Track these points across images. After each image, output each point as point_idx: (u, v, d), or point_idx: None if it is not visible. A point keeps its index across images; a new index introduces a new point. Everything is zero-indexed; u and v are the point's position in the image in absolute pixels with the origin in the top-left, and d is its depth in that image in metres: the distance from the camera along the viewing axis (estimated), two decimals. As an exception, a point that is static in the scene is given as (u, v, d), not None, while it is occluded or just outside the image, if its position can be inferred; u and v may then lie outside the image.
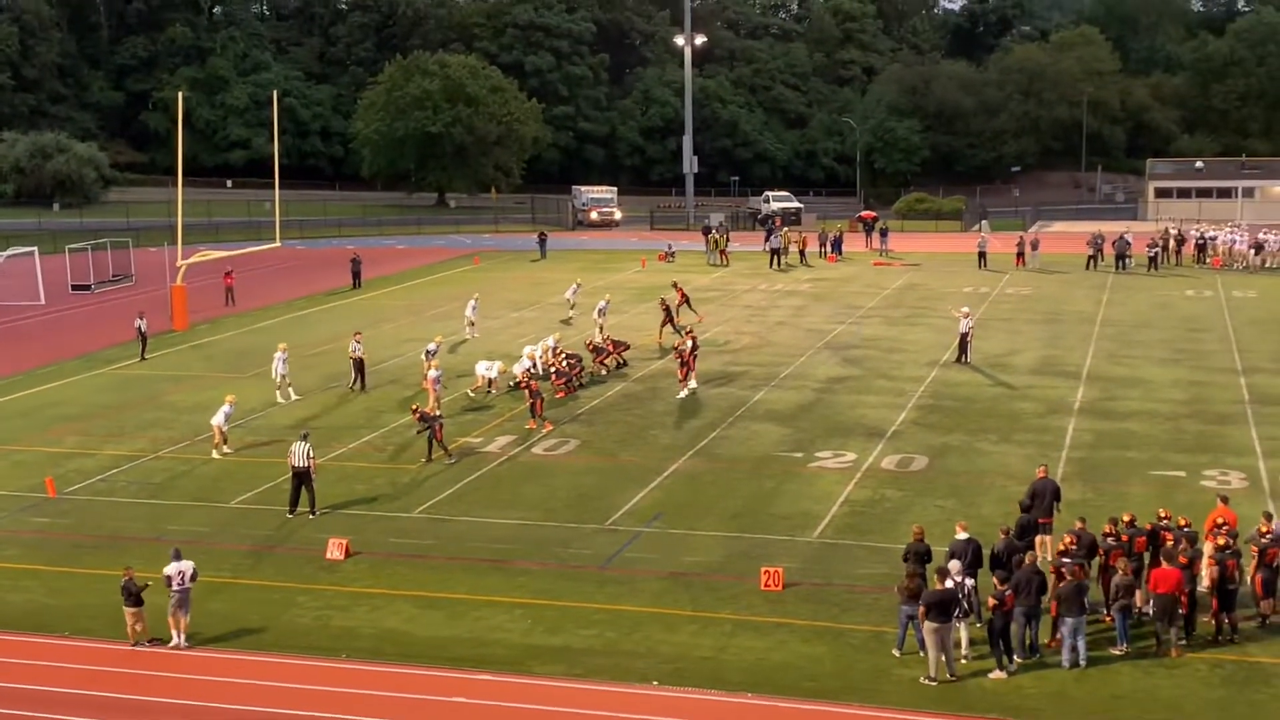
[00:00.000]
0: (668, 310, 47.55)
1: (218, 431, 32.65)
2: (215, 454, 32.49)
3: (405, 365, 42.76)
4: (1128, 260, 65.18)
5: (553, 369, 39.23)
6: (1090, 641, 20.16)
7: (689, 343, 39.37)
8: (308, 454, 27.62)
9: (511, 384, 39.26)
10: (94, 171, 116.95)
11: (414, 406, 33.47)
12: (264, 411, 36.87)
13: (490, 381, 38.81)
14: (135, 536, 26.68)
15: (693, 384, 38.57)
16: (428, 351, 39.53)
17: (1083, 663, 19.90)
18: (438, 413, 33.12)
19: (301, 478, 27.66)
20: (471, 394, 38.50)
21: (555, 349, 40.73)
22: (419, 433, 31.99)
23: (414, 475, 30.67)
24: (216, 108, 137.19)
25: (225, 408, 32.80)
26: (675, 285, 52.12)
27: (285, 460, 28.41)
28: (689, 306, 50.58)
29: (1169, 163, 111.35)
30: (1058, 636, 20.34)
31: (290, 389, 38.86)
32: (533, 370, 39.17)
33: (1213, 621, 21.00)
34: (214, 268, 60.32)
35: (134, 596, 21.09)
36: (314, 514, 27.62)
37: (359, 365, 39.76)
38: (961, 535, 21.85)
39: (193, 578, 21.45)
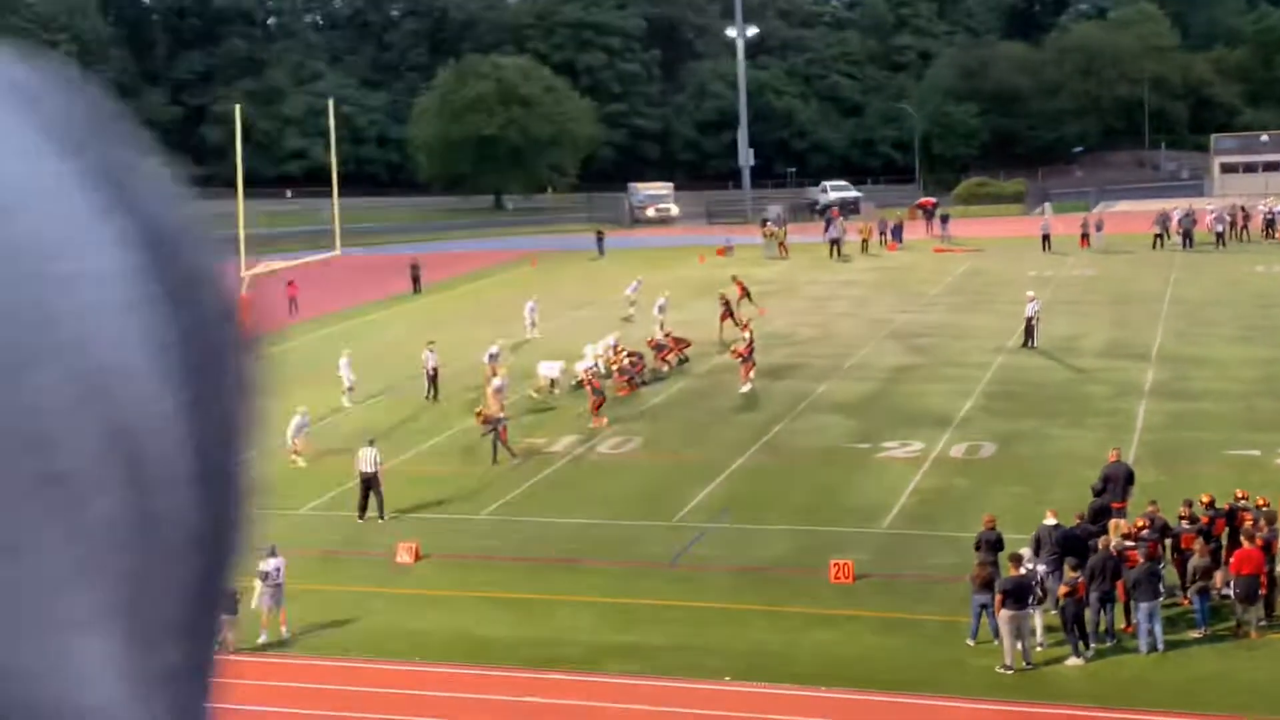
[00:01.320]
0: (727, 305, 47.34)
1: (295, 443, 32.61)
2: (301, 462, 32.45)
3: (467, 369, 42.89)
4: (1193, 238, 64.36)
5: (615, 367, 39.22)
6: (1167, 625, 19.88)
7: (745, 336, 39.24)
8: (375, 459, 27.80)
9: (574, 383, 39.32)
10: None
11: (478, 410, 33.58)
12: (330, 418, 37.14)
13: (553, 382, 38.87)
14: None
15: (749, 383, 38.34)
16: (490, 355, 39.61)
17: (1160, 647, 19.62)
18: (502, 415, 33.20)
19: (369, 483, 27.85)
20: (535, 395, 38.57)
21: (616, 347, 40.69)
22: (484, 435, 32.12)
23: (480, 477, 30.77)
24: (274, 119, 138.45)
25: (297, 418, 32.84)
26: (735, 280, 51.92)
27: (353, 466, 28.61)
28: (749, 300, 50.34)
29: (1234, 138, 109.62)
30: (1134, 621, 20.07)
31: (351, 395, 39.11)
32: (595, 369, 39.32)
33: (1293, 602, 20.65)
34: (277, 278, 60.86)
35: (229, 604, 21.37)
36: (383, 518, 27.80)
37: (433, 375, 39.35)
38: (1050, 521, 21.53)
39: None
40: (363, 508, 27.98)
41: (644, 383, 39.40)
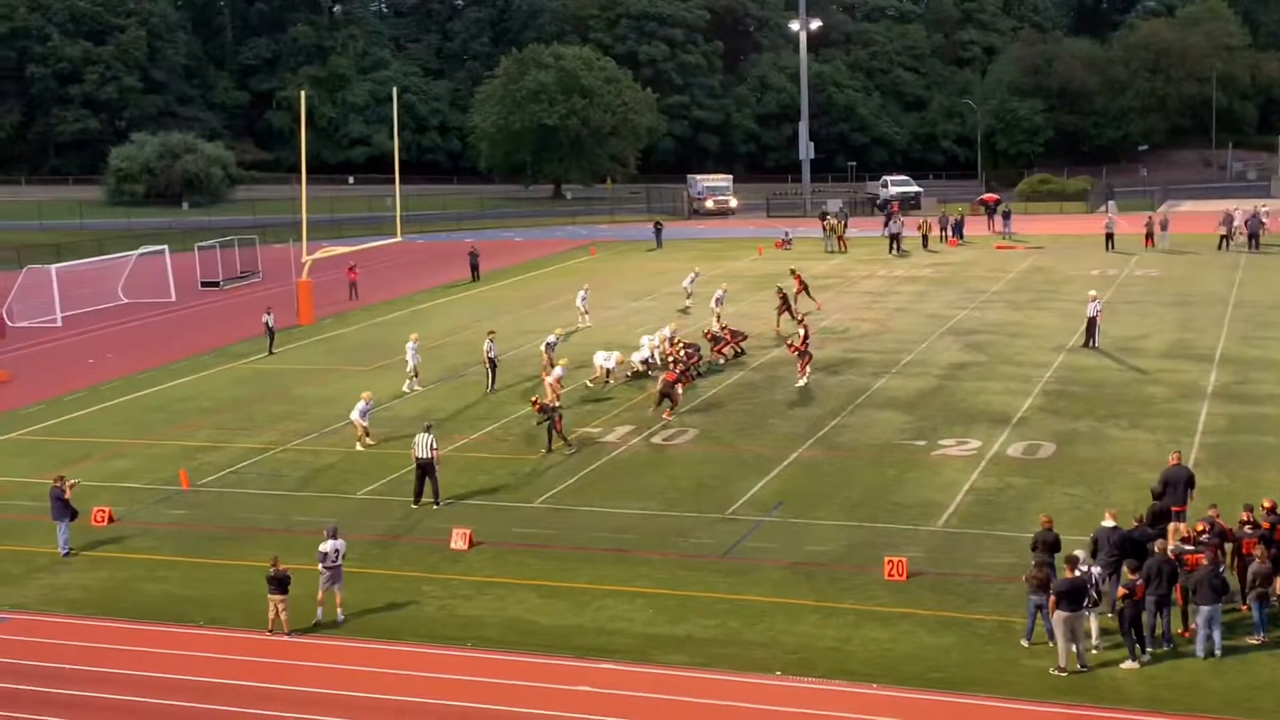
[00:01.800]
0: (785, 298, 47.26)
1: (358, 426, 33.11)
2: (359, 446, 32.92)
3: (524, 357, 43.07)
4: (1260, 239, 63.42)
5: (670, 358, 39.23)
6: (1225, 631, 19.62)
7: (800, 331, 39.16)
8: (431, 445, 27.95)
9: (629, 374, 39.41)
10: (221, 170, 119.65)
11: (534, 398, 33.69)
12: (389, 404, 37.39)
13: (608, 372, 38.95)
14: (266, 528, 27.25)
15: (804, 378, 38.22)
16: (547, 344, 39.77)
17: (1218, 652, 19.38)
18: (557, 403, 33.29)
19: (425, 469, 28.00)
20: (590, 384, 38.66)
21: (673, 338, 40.72)
22: (539, 423, 32.25)
23: (535, 465, 30.89)
24: (338, 105, 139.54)
25: (361, 404, 33.19)
26: (793, 273, 51.81)
27: (409, 452, 28.81)
28: (807, 294, 50.24)
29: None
30: (1192, 626, 19.84)
31: (416, 381, 39.43)
32: (651, 360, 39.47)
33: (1356, 611, 20.31)
34: (338, 263, 61.34)
35: (280, 584, 21.56)
36: (437, 504, 27.96)
37: (493, 366, 39.16)
38: (1108, 523, 21.28)
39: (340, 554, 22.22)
40: (418, 493, 28.15)
41: (700, 374, 39.38)
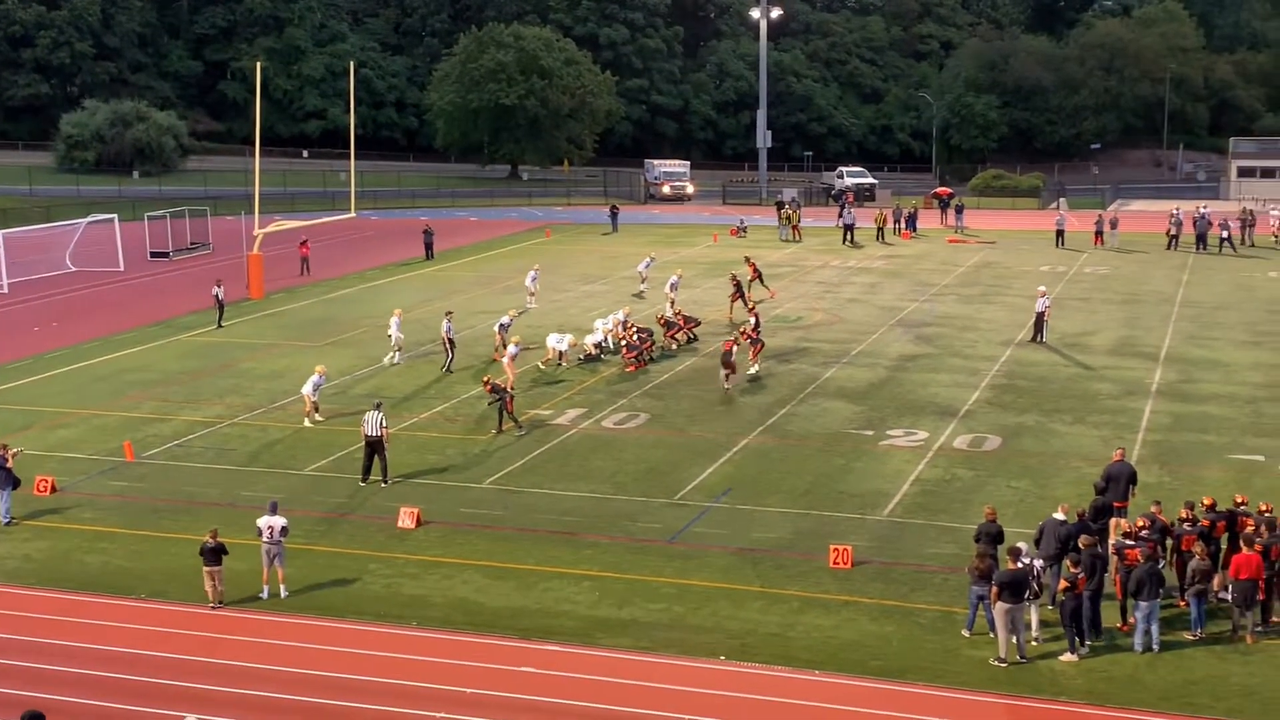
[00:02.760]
0: (738, 285, 47.38)
1: (308, 401, 32.95)
2: (307, 422, 32.77)
3: (477, 337, 42.96)
4: (1208, 240, 64.06)
5: (623, 342, 39.28)
6: (1163, 626, 19.91)
7: (751, 320, 39.31)
8: (380, 423, 27.85)
9: (581, 357, 39.41)
10: (173, 140, 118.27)
11: (485, 378, 33.61)
12: (339, 380, 37.19)
13: (561, 354, 38.93)
14: (210, 502, 27.07)
15: (756, 365, 38.39)
16: (501, 325, 39.69)
17: (1155, 647, 19.67)
18: (510, 386, 33.22)
19: (374, 447, 27.90)
20: (542, 366, 38.62)
21: (626, 323, 40.74)
22: (490, 404, 32.19)
23: (485, 446, 30.84)
24: (293, 78, 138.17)
25: (315, 378, 33.02)
26: (748, 260, 51.93)
27: (358, 429, 28.69)
28: (761, 282, 50.38)
29: (1253, 141, 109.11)
30: (1130, 620, 20.11)
31: (399, 354, 39.43)
32: (604, 344, 39.55)
33: (1290, 609, 20.64)
34: (290, 237, 60.90)
35: (214, 555, 21.41)
36: (386, 483, 27.87)
37: (451, 345, 38.82)
38: (1059, 516, 21.49)
39: (283, 532, 22.00)
40: (366, 471, 28.05)
41: (652, 359, 39.43)
